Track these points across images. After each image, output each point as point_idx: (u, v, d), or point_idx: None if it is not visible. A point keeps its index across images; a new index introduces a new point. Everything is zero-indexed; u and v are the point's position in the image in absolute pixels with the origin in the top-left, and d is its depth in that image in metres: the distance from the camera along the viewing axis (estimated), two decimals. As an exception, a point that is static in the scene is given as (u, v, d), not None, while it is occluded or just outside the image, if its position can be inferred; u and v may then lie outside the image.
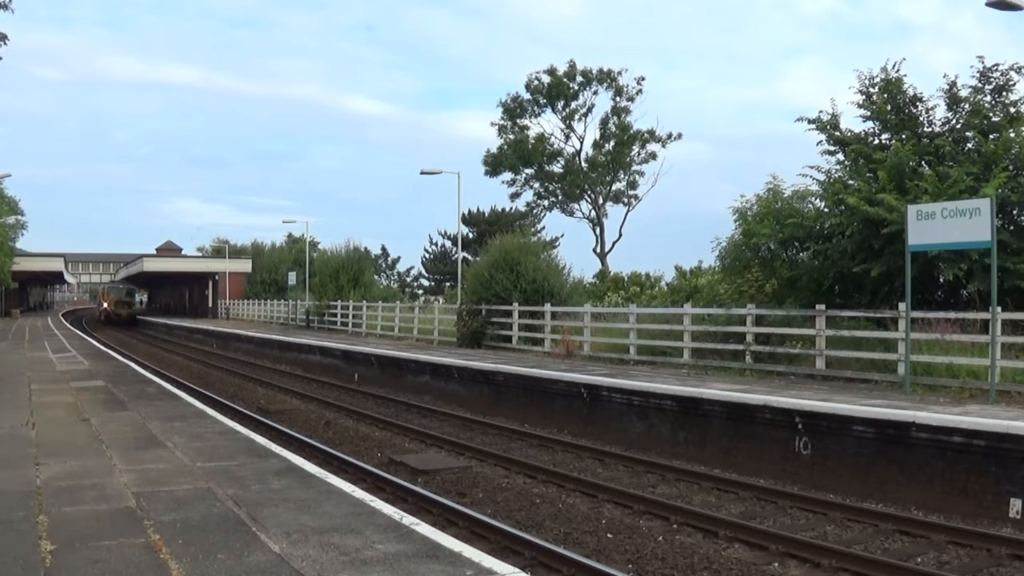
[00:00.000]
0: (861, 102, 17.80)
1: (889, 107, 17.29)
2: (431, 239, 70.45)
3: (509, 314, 25.15)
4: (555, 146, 54.51)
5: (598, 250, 53.38)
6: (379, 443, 15.17)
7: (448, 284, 57.42)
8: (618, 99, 53.25)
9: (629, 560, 8.39)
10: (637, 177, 54.38)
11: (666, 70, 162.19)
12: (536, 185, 55.93)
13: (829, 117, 18.39)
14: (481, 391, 19.60)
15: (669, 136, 53.24)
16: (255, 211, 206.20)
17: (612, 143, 53.45)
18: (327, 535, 6.09)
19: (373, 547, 5.82)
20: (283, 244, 73.42)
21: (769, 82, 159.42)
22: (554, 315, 23.56)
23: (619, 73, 52.78)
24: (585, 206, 55.07)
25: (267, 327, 45.50)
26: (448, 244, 66.89)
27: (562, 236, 57.86)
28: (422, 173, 31.31)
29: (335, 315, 39.53)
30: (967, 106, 16.52)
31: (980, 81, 16.41)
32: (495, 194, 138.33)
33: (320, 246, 64.29)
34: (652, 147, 53.50)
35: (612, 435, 15.29)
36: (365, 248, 47.03)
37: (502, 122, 54.64)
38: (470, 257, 47.19)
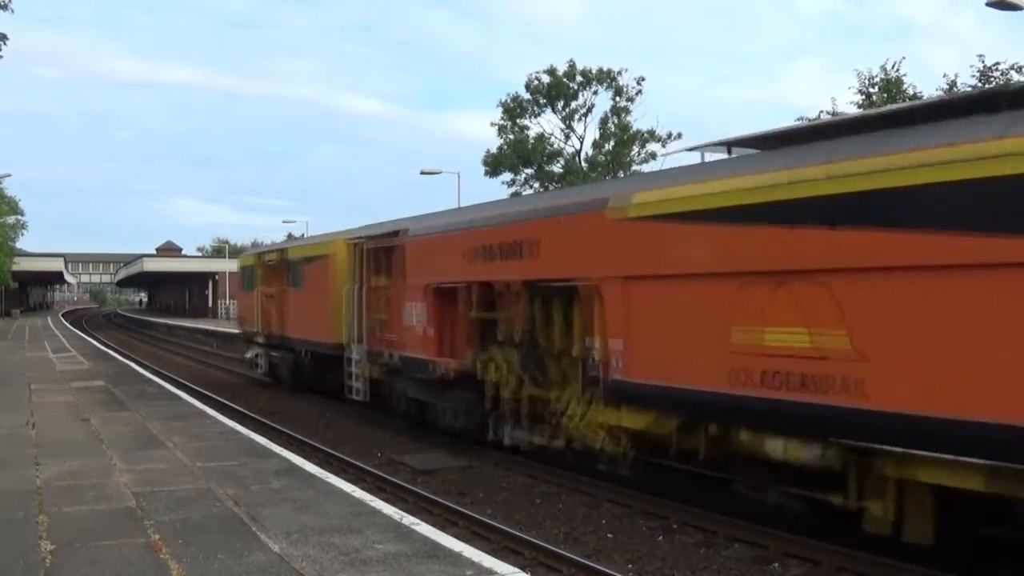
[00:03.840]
0: (861, 102, 17.82)
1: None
2: (431, 239, 70.42)
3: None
4: (555, 146, 54.51)
5: (598, 250, 53.38)
6: (379, 443, 15.15)
7: (448, 284, 57.29)
8: (618, 99, 53.20)
9: (629, 560, 8.38)
10: (637, 177, 54.45)
11: (666, 70, 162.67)
12: (536, 185, 55.88)
13: (829, 117, 18.38)
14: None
15: (669, 136, 53.12)
16: (254, 211, 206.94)
17: (612, 143, 53.43)
18: (327, 535, 6.09)
19: (373, 547, 5.82)
20: (283, 244, 73.32)
21: (769, 82, 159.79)
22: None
23: (619, 73, 52.76)
24: (585, 206, 55.07)
25: (267, 327, 45.41)
26: (448, 244, 66.81)
27: (562, 236, 57.79)
28: (422, 173, 31.45)
29: (335, 315, 39.45)
30: (967, 105, 16.51)
31: (980, 80, 16.43)
32: (495, 194, 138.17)
33: (320, 246, 64.22)
34: (652, 147, 53.51)
35: (612, 435, 15.22)
36: (365, 248, 46.87)
37: (502, 122, 54.58)
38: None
